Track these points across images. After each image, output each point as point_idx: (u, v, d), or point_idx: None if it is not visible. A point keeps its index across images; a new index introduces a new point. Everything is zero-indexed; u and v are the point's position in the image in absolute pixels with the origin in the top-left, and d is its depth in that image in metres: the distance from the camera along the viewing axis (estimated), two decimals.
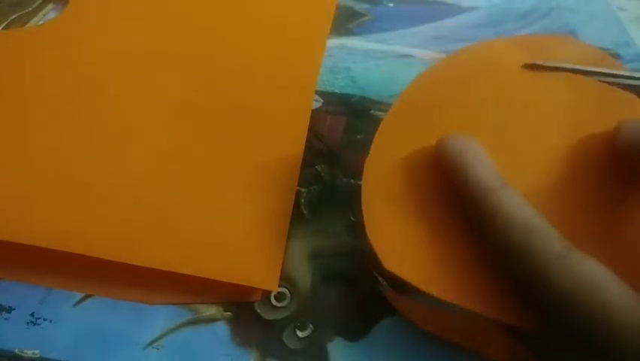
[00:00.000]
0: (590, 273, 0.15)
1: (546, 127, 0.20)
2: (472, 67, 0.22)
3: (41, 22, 0.33)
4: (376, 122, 0.26)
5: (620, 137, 0.18)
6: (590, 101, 0.20)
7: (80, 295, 0.21)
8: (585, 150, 0.19)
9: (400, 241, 0.18)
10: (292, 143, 0.26)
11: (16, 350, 0.20)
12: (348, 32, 0.35)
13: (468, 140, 0.18)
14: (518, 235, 0.16)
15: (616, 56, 0.34)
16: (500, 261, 0.16)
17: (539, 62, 0.21)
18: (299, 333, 0.21)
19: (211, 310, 0.21)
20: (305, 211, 0.24)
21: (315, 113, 0.28)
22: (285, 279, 0.22)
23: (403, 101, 0.21)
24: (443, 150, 0.18)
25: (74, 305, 0.21)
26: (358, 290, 0.22)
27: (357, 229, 0.24)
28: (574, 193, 0.18)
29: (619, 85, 0.20)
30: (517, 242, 0.15)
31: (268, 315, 0.21)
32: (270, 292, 0.22)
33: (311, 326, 0.21)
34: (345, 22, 0.35)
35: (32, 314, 0.21)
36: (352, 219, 0.24)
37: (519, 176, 0.18)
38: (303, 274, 0.22)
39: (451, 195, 0.18)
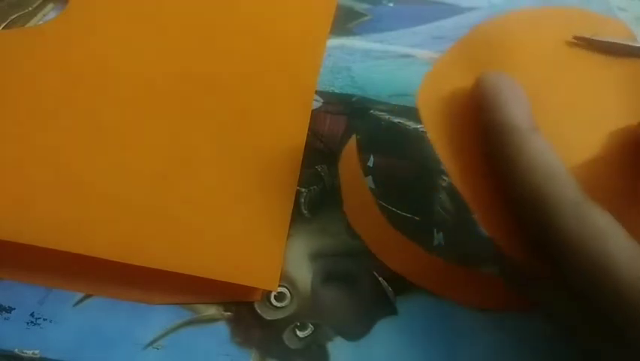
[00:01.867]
0: (601, 223, 0.15)
1: (591, 104, 0.20)
2: (522, 32, 0.21)
3: (41, 22, 0.33)
4: (376, 122, 0.26)
5: None
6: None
7: (79, 295, 0.21)
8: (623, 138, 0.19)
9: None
10: (292, 143, 0.26)
11: (16, 350, 0.20)
12: (348, 32, 0.34)
13: (510, 79, 0.18)
14: (538, 177, 0.16)
15: None
16: (518, 200, 0.17)
17: (588, 36, 0.21)
18: (299, 333, 0.21)
19: (211, 310, 0.21)
20: (305, 211, 0.24)
21: (315, 113, 0.28)
22: (285, 279, 0.22)
23: (460, 44, 0.21)
24: (483, 83, 0.18)
25: (74, 305, 0.21)
26: (358, 290, 0.22)
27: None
28: (599, 175, 0.19)
29: None
30: (537, 184, 0.16)
31: (268, 315, 0.21)
32: (270, 292, 0.22)
33: (311, 326, 0.21)
34: (345, 22, 0.35)
35: (32, 314, 0.21)
36: None
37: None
38: (303, 274, 0.22)
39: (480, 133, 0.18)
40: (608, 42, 0.21)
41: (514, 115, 0.17)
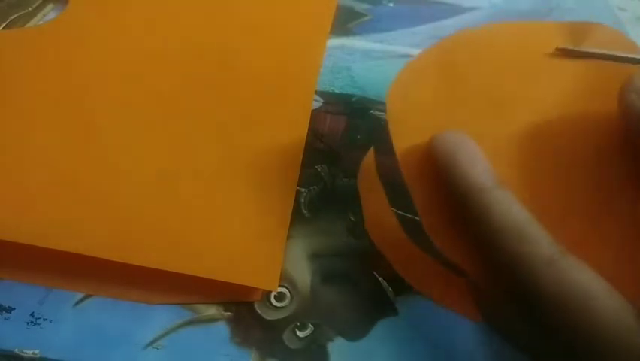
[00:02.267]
0: (580, 280, 0.15)
1: (561, 112, 0.20)
2: (503, 43, 0.21)
3: (41, 22, 0.33)
4: (376, 122, 0.26)
5: (625, 93, 0.17)
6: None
7: (79, 295, 0.21)
8: (593, 141, 0.19)
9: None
10: (292, 143, 0.26)
11: (16, 350, 0.20)
12: (348, 32, 0.34)
13: (463, 138, 0.18)
14: (510, 239, 0.15)
15: None
16: (493, 262, 0.16)
17: (570, 47, 0.21)
18: (299, 333, 0.21)
19: (211, 310, 0.21)
20: (305, 211, 0.24)
21: (315, 113, 0.28)
22: (285, 279, 0.22)
23: (425, 54, 0.21)
24: (437, 148, 0.18)
25: (74, 305, 0.21)
26: (358, 290, 0.22)
27: (357, 228, 0.24)
28: (572, 183, 0.18)
29: None
30: (509, 246, 0.15)
31: (268, 315, 0.21)
32: (270, 292, 0.22)
33: (311, 326, 0.21)
34: (345, 22, 0.35)
35: (32, 314, 0.21)
36: (352, 219, 0.24)
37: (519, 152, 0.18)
38: (303, 274, 0.22)
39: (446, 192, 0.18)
40: (590, 52, 0.21)
41: (474, 175, 0.17)
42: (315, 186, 0.25)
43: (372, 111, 0.29)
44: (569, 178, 0.18)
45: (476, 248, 0.17)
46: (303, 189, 0.25)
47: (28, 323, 0.20)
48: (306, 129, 0.27)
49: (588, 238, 0.17)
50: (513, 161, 0.19)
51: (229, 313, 0.21)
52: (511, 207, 0.16)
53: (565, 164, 0.19)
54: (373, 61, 0.33)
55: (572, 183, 0.18)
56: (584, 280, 0.15)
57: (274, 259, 0.22)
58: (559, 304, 0.14)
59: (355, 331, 0.21)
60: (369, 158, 0.25)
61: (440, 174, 0.18)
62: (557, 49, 0.21)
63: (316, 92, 0.29)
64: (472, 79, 0.20)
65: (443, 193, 0.18)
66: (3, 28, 0.32)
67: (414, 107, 0.20)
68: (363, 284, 0.22)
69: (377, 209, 0.24)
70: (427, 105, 0.20)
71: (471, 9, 0.37)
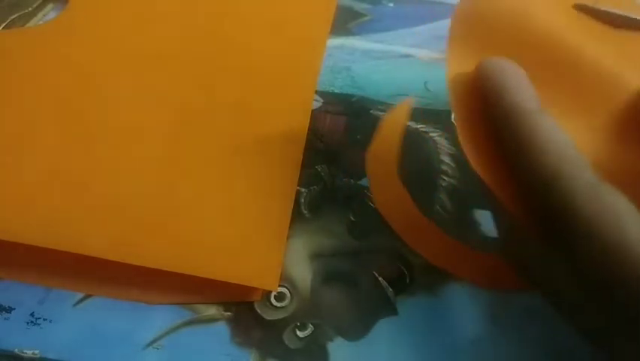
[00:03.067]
0: (618, 205, 0.15)
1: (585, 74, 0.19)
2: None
3: (41, 22, 0.33)
4: (376, 122, 0.26)
5: None
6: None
7: (79, 295, 0.21)
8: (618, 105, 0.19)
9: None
10: (292, 143, 0.26)
11: (16, 350, 0.20)
12: (348, 32, 0.34)
13: (510, 64, 0.18)
14: (552, 159, 0.16)
15: None
16: (532, 184, 0.16)
17: (590, 4, 0.21)
18: (299, 333, 0.21)
19: (211, 311, 0.21)
20: (305, 211, 0.24)
21: (315, 113, 0.28)
22: (285, 279, 0.22)
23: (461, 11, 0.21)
24: (485, 71, 0.18)
25: (74, 305, 0.21)
26: (358, 290, 0.22)
27: (357, 228, 0.24)
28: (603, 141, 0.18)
29: None
30: (551, 166, 0.16)
31: (268, 315, 0.21)
32: (270, 292, 0.22)
33: (311, 326, 0.21)
34: (345, 22, 0.35)
35: (32, 314, 0.21)
36: (352, 219, 0.24)
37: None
38: (303, 274, 0.22)
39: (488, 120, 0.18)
40: (609, 12, 0.20)
41: (519, 99, 0.17)
42: (315, 186, 0.25)
43: (372, 111, 0.29)
44: (601, 145, 0.18)
45: (514, 170, 0.17)
46: (303, 189, 0.25)
47: (28, 323, 0.20)
48: (306, 129, 0.27)
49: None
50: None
51: (229, 313, 0.21)
52: (555, 130, 0.16)
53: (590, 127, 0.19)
54: (373, 61, 0.33)
55: (603, 149, 0.18)
56: (620, 205, 0.15)
57: (274, 259, 0.22)
58: (595, 227, 0.14)
59: (355, 331, 0.21)
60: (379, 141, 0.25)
61: (487, 94, 0.18)
62: (575, 5, 0.21)
63: (316, 92, 0.29)
64: (531, 20, 0.20)
65: (486, 115, 0.18)
66: (3, 28, 0.32)
67: (475, 34, 0.20)
68: (363, 284, 0.22)
69: (385, 181, 0.24)
70: (487, 35, 0.20)
71: None
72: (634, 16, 0.20)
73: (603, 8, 0.21)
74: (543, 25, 0.20)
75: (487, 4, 0.21)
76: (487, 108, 0.18)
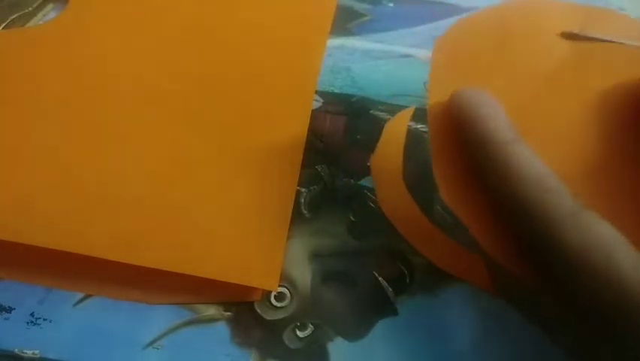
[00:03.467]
0: (601, 232, 0.15)
1: (570, 94, 0.19)
2: (514, 22, 0.21)
3: (41, 22, 0.33)
4: (376, 122, 0.26)
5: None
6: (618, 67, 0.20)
7: (79, 295, 0.21)
8: (607, 119, 0.19)
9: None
10: (292, 143, 0.26)
11: (16, 350, 0.20)
12: (348, 32, 0.34)
13: (484, 94, 0.18)
14: (531, 190, 0.15)
15: None
16: (513, 216, 0.16)
17: (576, 32, 0.21)
18: (299, 333, 0.21)
19: (211, 311, 0.21)
20: (305, 211, 0.24)
21: (315, 113, 0.28)
22: (285, 279, 0.22)
23: (445, 41, 0.21)
24: (458, 103, 0.18)
25: (74, 305, 0.21)
26: (358, 290, 0.22)
27: (357, 228, 0.24)
28: (589, 160, 0.18)
29: None
30: (530, 197, 0.15)
31: (268, 315, 0.21)
32: (270, 292, 0.22)
33: (311, 326, 0.21)
34: (345, 22, 0.35)
35: (32, 314, 0.21)
36: (352, 219, 0.24)
37: (536, 138, 0.18)
38: (303, 274, 0.22)
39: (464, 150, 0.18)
40: (595, 38, 0.20)
41: (494, 129, 0.17)
42: (315, 186, 0.25)
43: (372, 111, 0.29)
44: (585, 145, 0.19)
45: (493, 203, 0.17)
46: (303, 189, 0.25)
47: (28, 323, 0.20)
48: (306, 129, 0.27)
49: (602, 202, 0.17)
50: (534, 129, 0.19)
51: (229, 313, 0.21)
52: (533, 159, 0.16)
53: (580, 133, 0.19)
54: (373, 61, 0.33)
55: (588, 149, 0.18)
56: (605, 232, 0.15)
57: (274, 259, 0.22)
58: (582, 255, 0.14)
59: (355, 331, 0.21)
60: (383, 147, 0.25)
61: (461, 124, 0.18)
62: (562, 33, 0.21)
63: (316, 92, 0.29)
64: (514, 49, 0.20)
65: (461, 146, 0.18)
66: (3, 28, 0.32)
67: (457, 64, 0.20)
68: (363, 284, 0.22)
69: (391, 187, 0.24)
70: (469, 64, 0.20)
71: (470, 9, 0.37)
72: (626, 42, 0.20)
73: (591, 35, 0.21)
74: (523, 54, 0.20)
75: (468, 35, 0.21)
76: (461, 138, 0.18)
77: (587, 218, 0.15)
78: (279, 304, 0.21)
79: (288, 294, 0.22)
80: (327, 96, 0.30)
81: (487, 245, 0.17)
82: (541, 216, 0.15)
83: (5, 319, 0.20)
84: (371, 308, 0.21)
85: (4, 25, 0.32)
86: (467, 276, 0.22)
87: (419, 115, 0.28)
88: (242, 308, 0.21)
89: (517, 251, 0.17)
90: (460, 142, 0.18)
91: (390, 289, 0.22)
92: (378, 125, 0.28)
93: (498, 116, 0.17)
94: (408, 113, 0.25)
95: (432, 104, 0.19)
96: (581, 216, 0.15)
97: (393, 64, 0.33)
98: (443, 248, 0.23)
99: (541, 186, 0.15)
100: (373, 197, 0.25)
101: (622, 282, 0.14)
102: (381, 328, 0.21)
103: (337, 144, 0.27)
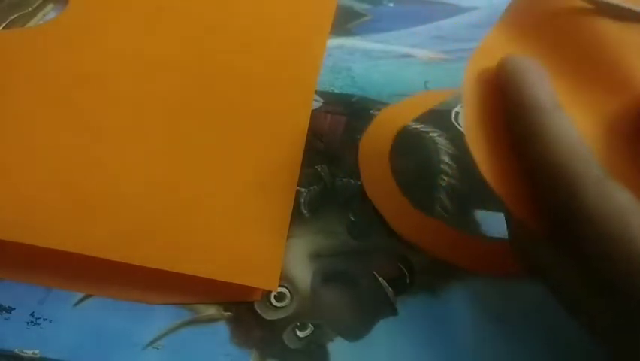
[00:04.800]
0: (622, 200, 0.15)
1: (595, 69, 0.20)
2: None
3: (41, 22, 0.33)
4: None
5: None
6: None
7: (79, 295, 0.21)
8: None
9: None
10: (292, 143, 0.26)
11: (16, 350, 0.20)
12: (348, 32, 0.35)
13: (531, 61, 0.19)
14: (563, 155, 0.16)
15: None
16: (542, 178, 0.17)
17: None
18: (299, 333, 0.21)
19: (211, 310, 0.21)
20: (305, 211, 0.24)
21: (315, 113, 0.28)
22: (285, 279, 0.22)
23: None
24: (505, 67, 0.19)
25: (74, 305, 0.21)
26: (358, 290, 0.22)
27: (357, 228, 0.24)
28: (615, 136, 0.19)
29: None
30: (561, 161, 0.16)
31: (268, 315, 0.21)
32: (270, 292, 0.22)
33: (311, 326, 0.21)
34: (345, 22, 0.35)
35: (32, 314, 0.21)
36: (352, 218, 0.24)
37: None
38: (303, 274, 0.22)
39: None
40: (615, 5, 0.20)
41: (537, 95, 0.18)
42: (315, 186, 0.25)
43: (372, 111, 0.29)
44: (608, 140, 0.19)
45: (523, 165, 0.18)
46: (303, 189, 0.25)
47: (28, 323, 0.20)
48: (306, 129, 0.27)
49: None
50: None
51: (229, 313, 0.21)
52: (567, 127, 0.17)
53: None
54: (373, 61, 0.33)
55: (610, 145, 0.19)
56: (625, 200, 0.15)
57: (274, 259, 0.22)
58: (600, 222, 0.15)
59: (355, 331, 0.21)
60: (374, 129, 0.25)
61: (506, 90, 0.18)
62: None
63: (316, 92, 0.29)
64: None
65: (503, 110, 0.18)
66: (3, 28, 0.32)
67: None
68: (363, 284, 0.22)
69: (378, 177, 0.24)
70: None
71: (470, 9, 0.37)
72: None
73: (609, 1, 0.21)
74: (567, 18, 0.20)
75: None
76: (505, 103, 0.18)
77: (610, 186, 0.16)
78: (279, 304, 0.21)
79: (288, 294, 0.22)
80: (327, 96, 0.30)
81: (522, 212, 0.18)
82: (569, 181, 0.16)
83: (5, 319, 0.20)
84: (371, 308, 0.21)
85: (4, 25, 0.32)
86: (466, 262, 0.22)
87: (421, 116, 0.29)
88: (242, 308, 0.21)
89: (544, 215, 0.17)
90: (503, 106, 0.18)
91: (390, 289, 0.22)
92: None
93: (543, 82, 0.18)
94: (405, 106, 0.25)
95: (477, 72, 0.20)
96: (605, 183, 0.16)
97: (393, 64, 0.33)
98: (434, 234, 0.23)
99: (573, 153, 0.16)
100: None
101: (635, 251, 0.14)
102: (381, 328, 0.21)
103: (337, 144, 0.27)
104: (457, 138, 0.27)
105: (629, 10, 0.20)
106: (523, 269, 0.20)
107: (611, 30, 0.20)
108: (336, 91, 0.30)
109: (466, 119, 0.19)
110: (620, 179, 0.16)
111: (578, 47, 0.20)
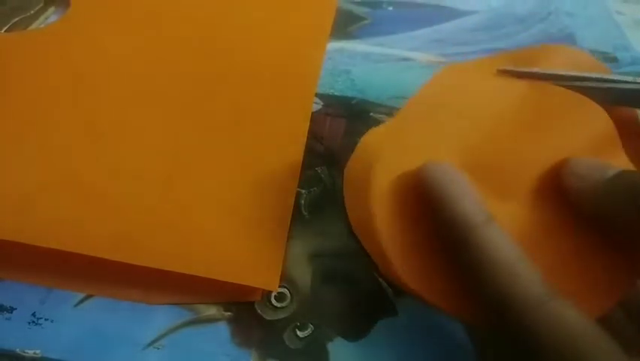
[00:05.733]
0: (571, 321, 0.15)
1: (512, 134, 0.19)
2: (455, 87, 0.21)
3: (43, 25, 0.33)
4: (376, 124, 0.26)
5: (565, 177, 0.18)
6: (549, 105, 0.20)
7: (80, 295, 0.21)
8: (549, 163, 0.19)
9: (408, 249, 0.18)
10: (292, 145, 0.26)
11: (18, 350, 0.20)
12: (348, 36, 0.35)
13: (452, 171, 0.17)
14: (502, 277, 0.15)
15: (613, 60, 0.34)
16: (485, 300, 0.16)
17: (509, 68, 0.21)
18: (299, 333, 0.21)
19: (211, 310, 0.21)
20: (305, 212, 0.24)
21: (315, 115, 0.28)
22: (285, 279, 0.22)
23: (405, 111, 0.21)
24: (427, 180, 0.17)
25: (75, 305, 0.21)
26: (358, 290, 0.22)
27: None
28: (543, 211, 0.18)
29: (604, 89, 0.20)
30: (501, 284, 0.15)
31: (268, 315, 0.21)
32: (270, 292, 0.22)
33: (311, 326, 0.21)
34: (345, 26, 0.35)
35: (33, 314, 0.21)
36: None
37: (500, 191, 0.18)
38: (303, 275, 0.22)
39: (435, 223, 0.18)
40: (530, 72, 0.21)
41: (465, 210, 0.16)
42: (315, 188, 0.25)
43: (371, 114, 0.29)
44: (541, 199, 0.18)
45: (462, 282, 0.17)
46: (304, 191, 0.25)
47: (29, 323, 0.20)
48: (306, 132, 0.27)
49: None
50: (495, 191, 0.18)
51: (229, 313, 0.21)
52: (503, 244, 0.16)
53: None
54: (373, 64, 0.33)
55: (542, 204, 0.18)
56: (573, 321, 0.15)
57: (274, 259, 0.22)
58: (550, 345, 0.15)
59: (355, 331, 0.21)
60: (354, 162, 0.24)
61: (432, 202, 0.17)
62: (497, 70, 0.21)
63: (316, 95, 0.29)
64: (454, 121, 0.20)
65: (424, 227, 0.18)
66: (5, 31, 0.32)
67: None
68: (363, 284, 0.22)
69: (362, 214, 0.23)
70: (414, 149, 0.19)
71: (469, 13, 0.37)
72: (554, 72, 0.20)
73: (523, 70, 0.21)
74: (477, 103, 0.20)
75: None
76: (433, 217, 0.17)
77: (555, 307, 0.15)
78: (279, 305, 0.21)
79: (288, 294, 0.22)
80: (327, 99, 0.30)
81: (457, 313, 0.17)
82: (510, 306, 0.15)
83: (7, 319, 0.20)
84: (371, 308, 0.21)
85: (6, 28, 0.33)
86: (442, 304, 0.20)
87: None
88: (242, 308, 0.21)
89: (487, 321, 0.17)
90: (431, 218, 0.17)
91: (390, 289, 0.22)
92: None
93: (467, 195, 0.17)
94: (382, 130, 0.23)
95: (375, 195, 0.18)
96: (550, 305, 0.15)
97: (393, 67, 0.33)
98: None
99: (510, 273, 0.15)
100: None
101: None
102: (381, 328, 0.21)
103: (337, 146, 0.27)
104: None
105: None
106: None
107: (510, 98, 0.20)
108: (336, 94, 0.30)
109: (379, 225, 0.18)
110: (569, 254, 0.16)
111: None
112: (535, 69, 0.21)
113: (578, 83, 0.20)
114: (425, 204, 0.17)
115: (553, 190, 0.18)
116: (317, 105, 0.29)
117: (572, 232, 0.18)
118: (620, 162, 0.19)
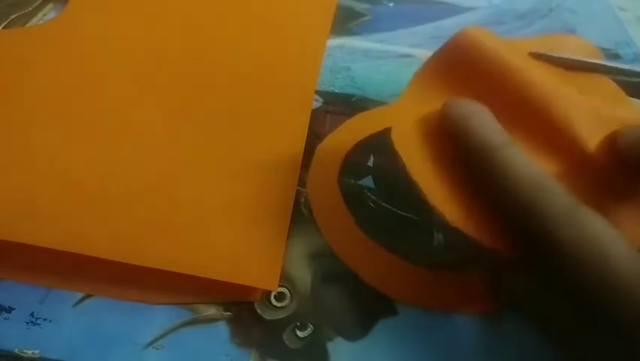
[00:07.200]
0: (597, 228, 0.15)
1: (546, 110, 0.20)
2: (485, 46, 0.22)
3: (41, 21, 0.33)
4: None
5: (620, 143, 0.18)
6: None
7: (79, 295, 0.21)
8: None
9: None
10: (292, 142, 0.26)
11: (16, 350, 0.20)
12: (348, 32, 0.35)
13: (473, 105, 0.19)
14: (527, 191, 0.16)
15: (616, 57, 0.34)
16: (512, 216, 0.16)
17: (542, 52, 0.22)
18: (299, 333, 0.21)
19: (211, 310, 0.21)
20: (305, 211, 0.24)
21: (315, 112, 0.28)
22: (285, 279, 0.22)
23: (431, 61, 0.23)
24: (449, 116, 0.19)
25: (74, 305, 0.21)
26: (358, 290, 0.22)
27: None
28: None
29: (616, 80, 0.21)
30: (526, 198, 0.16)
31: (268, 315, 0.21)
32: (269, 292, 0.22)
33: (311, 326, 0.21)
34: (345, 22, 0.35)
35: (32, 314, 0.21)
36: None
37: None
38: (303, 274, 0.22)
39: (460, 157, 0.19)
40: (562, 57, 0.21)
41: (488, 135, 0.17)
42: None
43: None
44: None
45: (490, 208, 0.17)
46: (303, 189, 0.25)
47: (28, 323, 0.20)
48: (306, 129, 0.27)
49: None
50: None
51: (229, 313, 0.21)
52: (525, 160, 0.17)
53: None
54: (373, 61, 0.33)
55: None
56: (599, 229, 0.15)
57: (274, 258, 0.22)
58: (576, 253, 0.15)
59: (355, 331, 0.21)
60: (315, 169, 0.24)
61: (455, 135, 0.18)
62: (530, 53, 0.22)
63: (316, 92, 0.29)
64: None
65: (451, 159, 0.19)
66: (3, 27, 0.32)
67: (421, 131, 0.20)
68: (364, 284, 0.22)
69: (334, 222, 0.24)
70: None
71: (470, 9, 0.37)
72: (587, 60, 0.22)
73: (556, 54, 0.22)
74: (506, 65, 0.21)
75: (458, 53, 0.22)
76: (457, 150, 0.18)
77: (581, 215, 0.15)
78: (279, 304, 0.21)
79: (288, 294, 0.22)
80: (327, 96, 0.30)
81: (491, 242, 0.17)
82: (536, 214, 0.15)
83: (5, 319, 0.20)
84: (371, 308, 0.21)
85: (4, 24, 0.32)
86: (403, 296, 0.22)
87: None
88: (242, 308, 0.21)
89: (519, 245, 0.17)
90: (455, 153, 0.18)
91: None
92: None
93: (487, 123, 0.18)
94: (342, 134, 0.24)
95: (419, 121, 0.20)
96: (576, 212, 0.15)
97: (393, 64, 0.33)
98: (377, 263, 0.22)
99: (537, 187, 0.16)
100: (373, 197, 0.25)
101: (617, 281, 0.14)
102: (381, 328, 0.21)
103: None
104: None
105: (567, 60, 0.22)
106: (498, 304, 0.20)
107: (544, 81, 0.20)
108: (336, 91, 0.30)
109: (413, 169, 0.19)
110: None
111: (513, 97, 0.20)
112: (569, 55, 0.22)
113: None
114: (452, 142, 0.18)
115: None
116: (317, 102, 0.29)
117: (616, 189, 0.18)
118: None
